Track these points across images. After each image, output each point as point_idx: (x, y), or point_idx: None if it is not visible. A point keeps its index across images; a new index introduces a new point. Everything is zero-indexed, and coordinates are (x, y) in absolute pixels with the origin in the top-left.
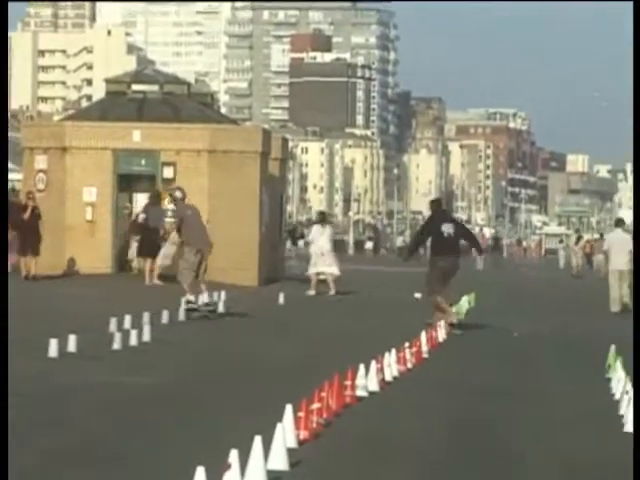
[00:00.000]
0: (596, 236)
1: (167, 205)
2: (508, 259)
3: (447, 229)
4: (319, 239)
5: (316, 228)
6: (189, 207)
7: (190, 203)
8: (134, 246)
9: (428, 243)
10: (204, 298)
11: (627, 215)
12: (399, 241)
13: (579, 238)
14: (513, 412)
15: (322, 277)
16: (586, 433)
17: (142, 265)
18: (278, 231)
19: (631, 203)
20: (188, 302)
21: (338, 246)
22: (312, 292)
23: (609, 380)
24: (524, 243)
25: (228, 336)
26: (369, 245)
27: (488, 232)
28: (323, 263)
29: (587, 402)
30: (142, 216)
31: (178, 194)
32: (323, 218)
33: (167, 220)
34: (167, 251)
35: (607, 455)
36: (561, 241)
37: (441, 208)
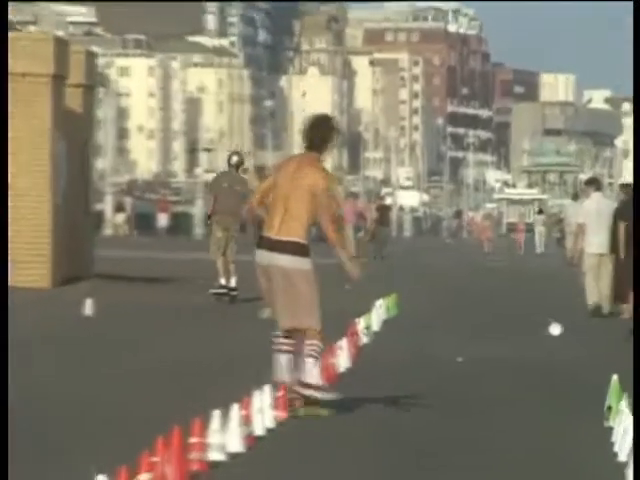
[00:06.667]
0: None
1: None
2: (446, 238)
3: None
4: None
5: None
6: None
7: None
8: None
9: None
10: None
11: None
12: None
13: None
14: None
15: None
16: None
17: None
18: (83, 202)
19: None
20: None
21: (181, 222)
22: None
23: (610, 430)
24: (469, 215)
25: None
26: None
27: (364, 202)
28: None
29: (576, 471)
30: None
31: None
32: None
33: None
34: None
35: None
36: (540, 211)
37: None
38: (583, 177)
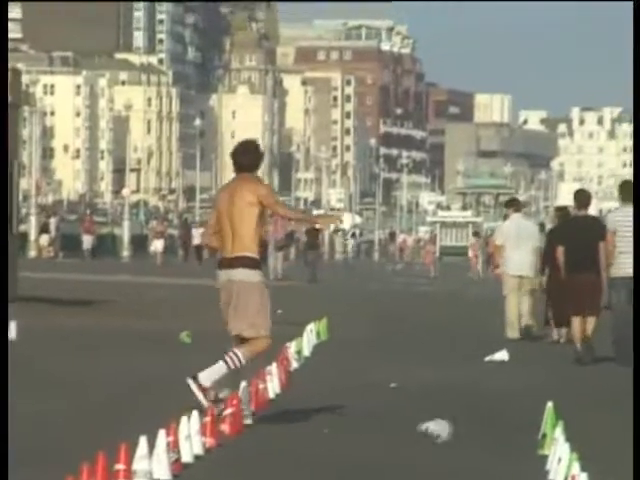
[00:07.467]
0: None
1: None
2: (379, 262)
3: None
4: None
5: None
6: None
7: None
8: None
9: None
10: None
11: (571, 190)
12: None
13: None
14: None
15: None
16: None
17: None
18: (7, 223)
19: (581, 171)
20: None
21: (107, 243)
22: None
23: (544, 459)
24: (402, 238)
25: None
26: (158, 246)
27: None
28: None
29: None
30: None
31: None
32: None
33: None
34: None
35: None
36: (476, 233)
37: None
38: (519, 199)
